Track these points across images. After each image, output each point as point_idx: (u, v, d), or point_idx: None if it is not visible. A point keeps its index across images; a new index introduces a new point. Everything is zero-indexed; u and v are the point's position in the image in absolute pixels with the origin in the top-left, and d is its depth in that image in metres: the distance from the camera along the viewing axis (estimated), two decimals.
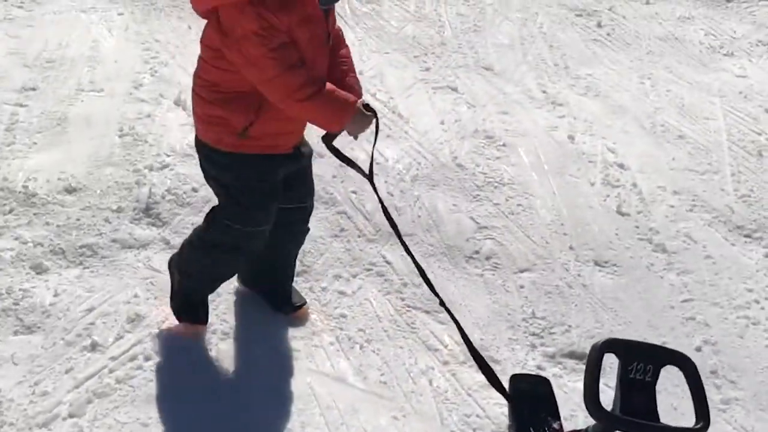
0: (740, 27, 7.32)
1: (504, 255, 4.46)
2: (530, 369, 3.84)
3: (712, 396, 3.80)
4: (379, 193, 3.43)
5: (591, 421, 2.75)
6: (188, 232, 4.19)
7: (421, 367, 3.77)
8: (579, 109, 5.87)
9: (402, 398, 3.62)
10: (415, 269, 4.09)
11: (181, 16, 6.44)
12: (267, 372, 3.64)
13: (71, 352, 3.61)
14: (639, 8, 7.55)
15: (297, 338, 3.82)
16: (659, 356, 2.76)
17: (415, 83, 5.93)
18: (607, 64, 6.59)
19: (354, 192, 4.64)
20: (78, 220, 4.28)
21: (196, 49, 5.42)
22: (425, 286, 4.10)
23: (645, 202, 4.94)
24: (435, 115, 5.56)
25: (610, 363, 2.64)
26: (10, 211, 4.28)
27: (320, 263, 4.25)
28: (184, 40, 6.10)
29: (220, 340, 3.76)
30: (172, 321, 3.77)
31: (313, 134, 3.52)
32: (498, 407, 3.60)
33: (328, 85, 3.12)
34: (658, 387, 2.62)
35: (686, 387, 2.61)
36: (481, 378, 3.70)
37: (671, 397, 3.51)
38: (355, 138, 3.39)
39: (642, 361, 2.69)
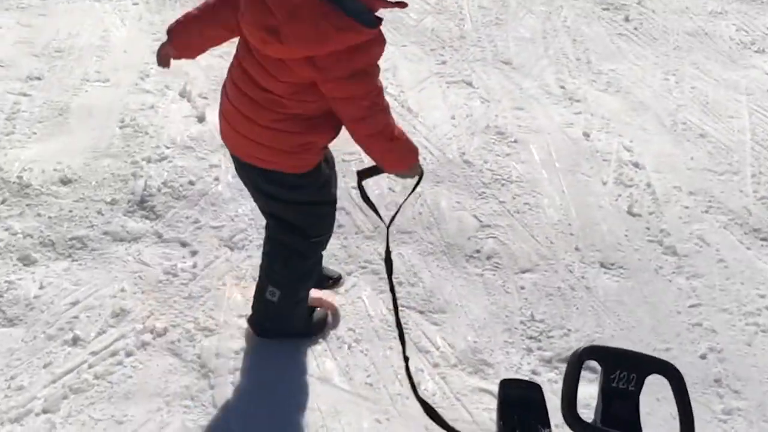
0: None
1: (506, 255, 4.32)
2: (524, 374, 3.71)
3: (714, 406, 3.67)
4: (389, 243, 3.39)
5: None
6: (182, 225, 4.15)
7: (410, 370, 3.64)
8: (597, 105, 5.71)
9: (387, 401, 3.52)
10: (413, 268, 4.04)
11: (197, 5, 6.35)
12: (250, 371, 3.55)
13: (51, 346, 3.55)
14: (669, 2, 7.35)
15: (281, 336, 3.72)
16: (644, 365, 2.62)
17: (429, 77, 5.80)
18: (632, 59, 6.41)
19: (354, 188, 4.51)
20: (71, 211, 4.22)
21: None
22: (421, 285, 4.04)
23: (658, 203, 4.78)
24: (446, 109, 5.43)
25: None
26: (3, 202, 4.23)
27: None
28: None
29: (205, 337, 3.68)
30: (159, 317, 3.70)
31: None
32: (486, 413, 3.50)
33: (399, 127, 3.13)
34: (659, 396, 2.49)
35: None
36: (471, 382, 3.62)
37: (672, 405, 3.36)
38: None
39: (625, 370, 2.57)
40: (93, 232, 4.13)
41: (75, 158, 4.56)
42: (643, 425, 3.45)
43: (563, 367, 3.66)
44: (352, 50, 2.80)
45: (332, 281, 3.97)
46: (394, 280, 3.88)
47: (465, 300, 4.04)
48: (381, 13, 2.86)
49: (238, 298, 3.88)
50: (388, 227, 3.42)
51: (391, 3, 2.87)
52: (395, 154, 3.16)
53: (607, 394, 2.59)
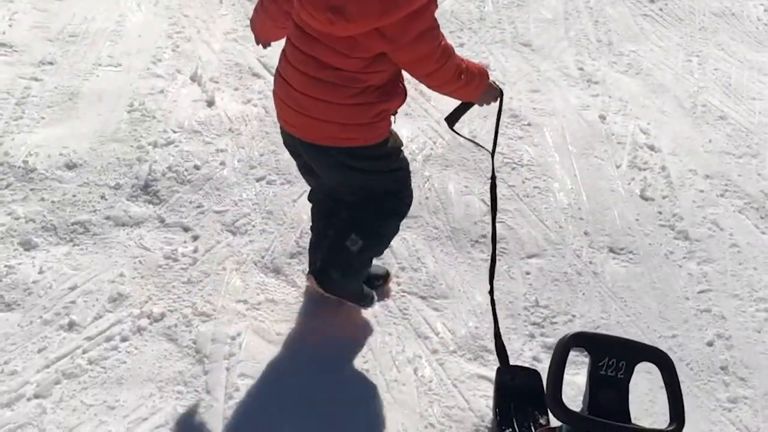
0: None
1: (513, 239, 4.26)
2: (526, 360, 3.65)
3: (719, 394, 3.59)
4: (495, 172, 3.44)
5: None
6: (185, 210, 4.13)
7: (408, 356, 3.61)
8: (616, 87, 5.61)
9: (384, 387, 3.47)
10: (416, 253, 3.99)
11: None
12: (244, 357, 3.52)
13: (47, 331, 3.54)
14: None
15: (280, 321, 3.70)
16: (633, 352, 2.59)
17: None
18: (654, 40, 6.29)
19: None
20: (74, 196, 4.22)
21: (224, 24, 5.46)
22: (424, 271, 3.99)
23: (672, 187, 4.69)
24: None
25: None
26: (7, 186, 4.23)
27: None
28: (213, 14, 6.00)
29: (202, 322, 3.66)
30: (156, 302, 3.69)
31: None
32: (483, 400, 3.44)
33: (462, 58, 3.19)
34: (662, 384, 2.45)
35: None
36: (469, 368, 3.57)
37: None
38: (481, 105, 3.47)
39: (614, 357, 2.54)
40: (95, 217, 4.12)
41: (81, 143, 4.56)
42: (644, 414, 3.42)
43: None
44: (413, 15, 2.87)
45: (382, 280, 3.94)
46: (396, 265, 3.88)
47: (468, 286, 3.98)
48: None
49: (238, 283, 3.86)
50: (492, 155, 3.47)
51: None
52: (469, 86, 3.23)
53: (595, 382, 2.56)
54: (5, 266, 3.81)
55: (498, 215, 4.26)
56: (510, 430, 3.16)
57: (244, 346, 3.57)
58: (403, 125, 4.88)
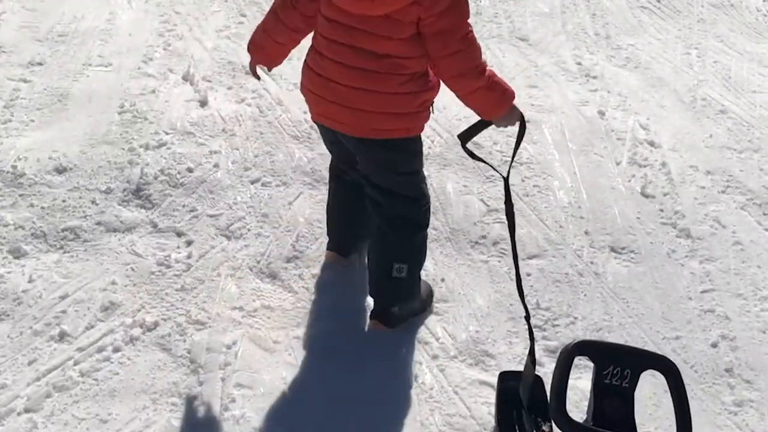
0: None
1: None
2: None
3: (724, 397, 3.52)
4: (510, 194, 3.28)
5: None
6: (178, 214, 4.06)
7: (408, 362, 3.53)
8: (615, 82, 5.54)
9: (383, 395, 3.39)
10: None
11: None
12: (240, 366, 3.44)
13: (37, 342, 3.46)
14: None
15: (276, 329, 3.61)
16: (639, 360, 2.54)
17: None
18: (653, 33, 6.23)
19: None
20: (64, 201, 4.13)
21: (216, 21, 5.37)
22: (423, 274, 3.90)
23: (673, 183, 4.61)
24: None
25: None
26: None
27: (313, 249, 4.03)
28: (205, 11, 5.92)
29: (196, 331, 3.57)
30: (149, 310, 3.61)
31: None
32: (485, 407, 3.36)
33: (491, 70, 3.17)
34: (666, 388, 2.38)
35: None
36: (471, 374, 3.49)
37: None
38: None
39: (619, 366, 2.49)
40: (86, 223, 4.03)
41: (71, 146, 4.47)
42: (648, 419, 3.35)
43: None
44: None
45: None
46: None
47: (468, 288, 3.90)
48: None
49: (233, 289, 3.77)
50: (507, 178, 3.30)
51: None
52: (491, 94, 3.15)
53: (599, 391, 2.51)
54: None
55: (498, 215, 4.24)
56: None
57: (240, 355, 3.48)
58: None
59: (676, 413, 2.44)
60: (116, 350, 3.45)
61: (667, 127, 5.09)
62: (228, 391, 3.32)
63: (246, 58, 5.13)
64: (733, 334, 3.78)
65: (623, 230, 4.29)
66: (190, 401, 3.28)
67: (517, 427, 3.13)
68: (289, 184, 4.33)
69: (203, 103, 4.89)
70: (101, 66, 5.19)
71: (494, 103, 3.18)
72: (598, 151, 4.83)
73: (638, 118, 5.15)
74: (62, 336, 3.48)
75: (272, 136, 4.70)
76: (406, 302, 3.63)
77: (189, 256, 3.91)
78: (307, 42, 3.38)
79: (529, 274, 4.00)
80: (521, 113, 3.26)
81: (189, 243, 3.99)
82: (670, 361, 2.52)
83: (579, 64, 5.71)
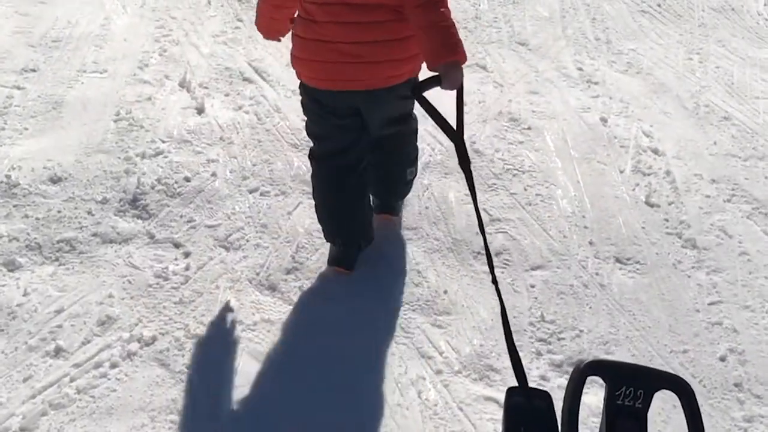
0: None
1: (516, 251, 4.11)
2: (533, 379, 3.49)
3: (734, 413, 3.44)
4: (466, 150, 3.28)
5: None
6: (176, 225, 3.98)
7: (411, 377, 3.45)
8: (616, 88, 5.46)
9: (386, 412, 3.32)
10: (417, 266, 3.85)
11: None
12: (240, 382, 3.36)
13: (32, 358, 3.38)
14: None
15: (276, 344, 3.54)
16: (652, 380, 2.46)
17: None
18: (654, 38, 6.15)
19: None
20: (59, 212, 4.05)
21: (212, 26, 5.32)
22: (426, 285, 3.84)
23: (678, 192, 4.54)
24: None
25: None
26: None
27: (314, 260, 3.96)
28: (201, 16, 5.84)
29: (195, 345, 3.49)
30: (147, 324, 3.53)
31: None
32: (491, 423, 3.29)
33: None
34: (676, 403, 2.31)
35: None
36: (475, 389, 3.42)
37: None
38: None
39: (632, 386, 2.40)
40: (82, 234, 3.96)
41: (66, 155, 4.39)
42: None
43: None
44: None
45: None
46: (398, 281, 3.76)
47: (471, 300, 3.83)
48: None
49: (232, 302, 3.70)
50: (460, 135, 3.27)
51: None
52: (447, 37, 3.19)
53: (611, 412, 2.43)
54: None
55: (500, 225, 4.16)
56: None
57: (240, 370, 3.41)
58: None
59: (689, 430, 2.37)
60: (113, 366, 3.38)
61: (671, 134, 5.03)
62: (228, 407, 3.24)
63: (243, 64, 5.11)
64: (741, 348, 3.71)
65: (628, 240, 4.22)
66: (189, 419, 3.21)
67: None
68: (288, 194, 4.26)
69: (200, 111, 4.82)
70: (96, 72, 5.11)
71: (447, 46, 3.20)
72: (601, 159, 4.76)
73: (641, 125, 5.08)
74: (58, 351, 3.41)
75: (270, 144, 4.62)
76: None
77: (187, 268, 3.83)
78: None
79: (533, 286, 3.93)
80: (462, 77, 3.30)
81: (187, 254, 3.91)
82: (685, 381, 2.44)
83: (580, 69, 5.64)
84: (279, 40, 3.74)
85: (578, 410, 2.40)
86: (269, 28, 3.61)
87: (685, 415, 2.39)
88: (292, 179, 4.37)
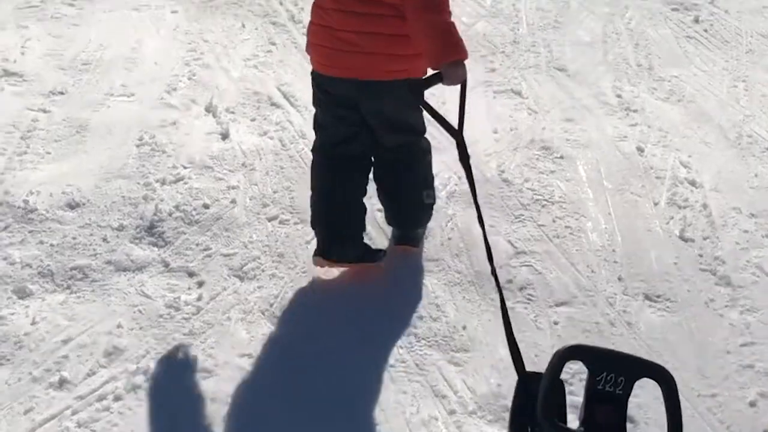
0: None
1: (541, 285, 3.97)
2: None
3: None
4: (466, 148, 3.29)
5: None
6: (191, 253, 3.92)
7: (423, 417, 3.32)
8: (655, 116, 5.30)
9: None
10: (436, 300, 3.76)
11: (237, 13, 6.17)
12: (246, 419, 3.27)
13: (36, 389, 3.31)
14: (744, 1, 6.89)
15: (286, 378, 3.43)
16: (634, 368, 2.47)
17: (476, 86, 5.45)
18: (698, 64, 5.98)
19: (380, 210, 4.20)
20: (74, 238, 4.00)
21: (244, 50, 5.30)
22: (444, 320, 3.72)
23: (714, 226, 4.37)
24: (489, 122, 5.09)
25: None
26: (5, 228, 4.03)
27: (330, 291, 3.85)
28: (234, 39, 5.80)
29: (203, 379, 3.40)
30: (155, 356, 3.45)
31: None
32: None
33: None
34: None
35: None
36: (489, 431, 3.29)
37: None
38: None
39: (613, 372, 2.40)
40: (95, 262, 3.89)
41: (86, 180, 4.35)
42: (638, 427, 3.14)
43: None
44: None
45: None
46: (414, 314, 3.65)
47: (491, 337, 3.69)
48: None
49: (243, 335, 3.61)
50: (460, 132, 3.27)
51: None
52: (448, 37, 3.25)
53: (591, 397, 2.47)
54: None
55: (525, 258, 4.04)
56: None
57: (248, 405, 3.32)
58: None
59: (668, 422, 2.30)
60: (117, 399, 3.29)
61: (710, 165, 4.85)
62: None
63: (272, 88, 5.04)
64: None
65: (659, 276, 4.06)
66: None
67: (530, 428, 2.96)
68: (307, 222, 4.15)
69: (224, 136, 4.76)
70: (123, 96, 5.07)
71: (448, 47, 3.25)
72: (635, 191, 4.60)
73: (679, 155, 4.91)
74: (62, 383, 3.33)
75: (293, 171, 4.54)
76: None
77: (199, 298, 3.75)
78: None
79: (556, 323, 3.79)
80: (466, 74, 3.33)
81: (200, 284, 3.83)
82: (666, 370, 2.45)
83: (619, 96, 5.49)
84: None
85: (553, 393, 2.41)
86: None
87: (665, 403, 2.40)
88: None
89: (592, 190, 4.59)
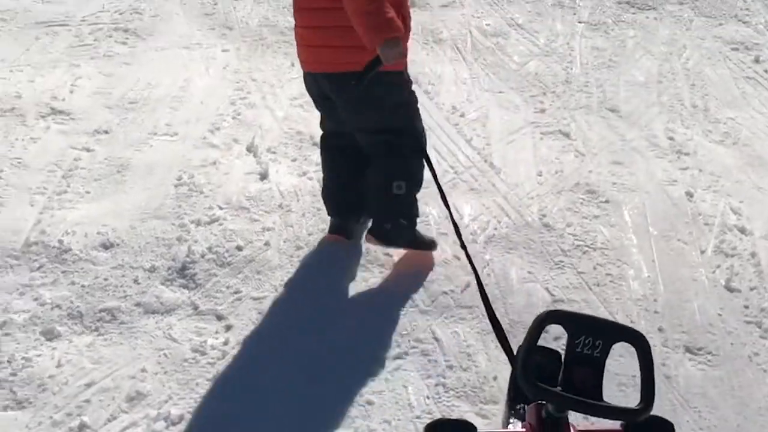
0: None
1: None
2: None
3: None
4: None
5: None
6: (221, 296, 3.89)
7: None
8: (708, 159, 5.16)
9: None
10: (467, 349, 3.69)
11: (288, 52, 6.16)
12: None
13: None
14: None
15: (309, 426, 3.36)
16: (610, 331, 2.42)
17: (523, 127, 5.37)
18: (756, 106, 5.83)
19: None
20: (106, 280, 3.99)
21: (292, 89, 5.31)
22: (474, 370, 3.63)
23: (762, 276, 4.21)
24: (534, 164, 4.99)
25: None
26: (39, 268, 4.04)
27: (357, 338, 3.78)
28: (282, 78, 5.80)
29: (223, 423, 3.35)
30: (177, 401, 3.40)
31: None
32: None
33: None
34: None
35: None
36: None
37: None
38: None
39: (591, 336, 2.33)
40: (125, 304, 3.88)
41: (122, 220, 4.35)
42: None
43: None
44: None
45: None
46: (444, 363, 3.59)
47: None
48: None
49: (267, 381, 3.55)
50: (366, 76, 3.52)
51: None
52: (376, 18, 3.36)
53: (570, 358, 2.39)
54: (23, 358, 3.58)
55: (563, 306, 3.92)
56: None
57: None
58: (467, 201, 4.58)
59: (641, 382, 2.26)
60: None
61: (762, 211, 4.70)
62: None
63: (315, 128, 5.02)
64: None
65: (702, 328, 3.91)
66: None
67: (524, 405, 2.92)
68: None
69: (263, 176, 4.74)
70: (167, 135, 5.09)
71: (376, 28, 3.37)
72: (682, 237, 4.46)
73: (730, 200, 4.76)
74: (82, 428, 3.31)
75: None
76: (399, 221, 3.93)
77: (226, 343, 3.71)
78: None
79: None
80: (401, 51, 3.48)
81: (228, 328, 3.79)
82: (641, 334, 2.38)
83: (671, 138, 5.36)
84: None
85: (533, 354, 2.36)
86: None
87: (639, 365, 2.36)
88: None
89: (636, 237, 4.46)
